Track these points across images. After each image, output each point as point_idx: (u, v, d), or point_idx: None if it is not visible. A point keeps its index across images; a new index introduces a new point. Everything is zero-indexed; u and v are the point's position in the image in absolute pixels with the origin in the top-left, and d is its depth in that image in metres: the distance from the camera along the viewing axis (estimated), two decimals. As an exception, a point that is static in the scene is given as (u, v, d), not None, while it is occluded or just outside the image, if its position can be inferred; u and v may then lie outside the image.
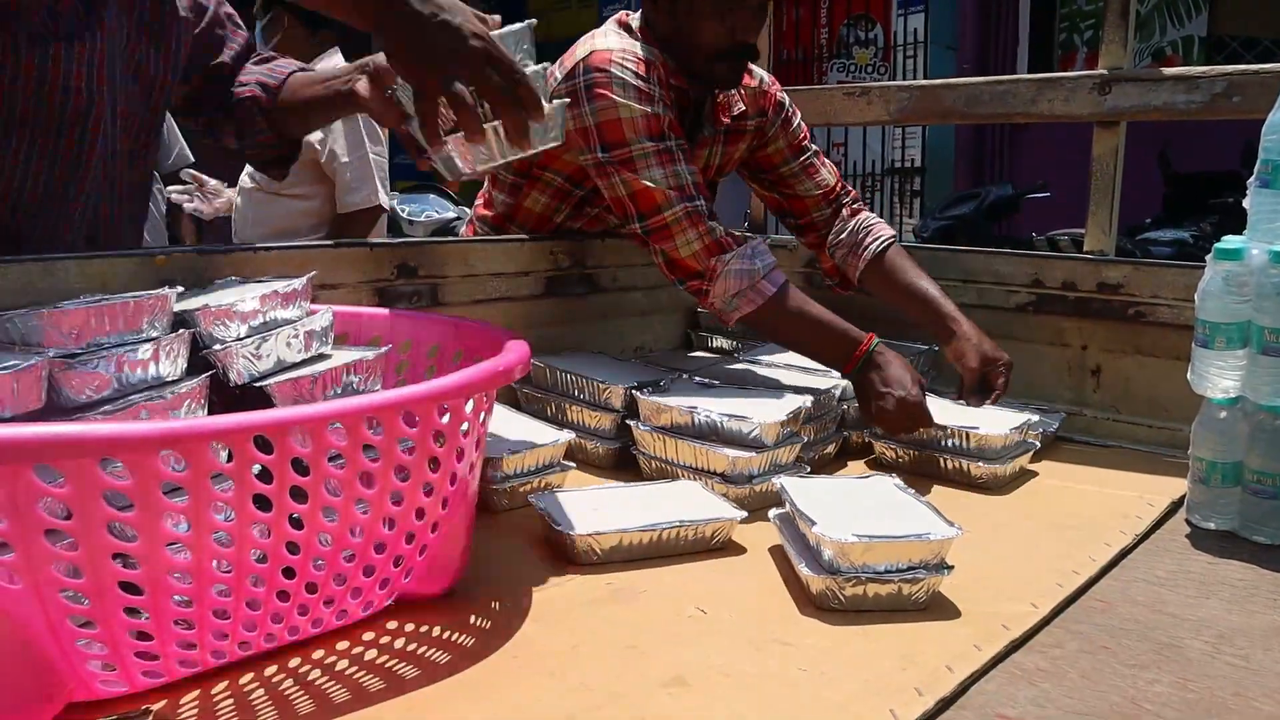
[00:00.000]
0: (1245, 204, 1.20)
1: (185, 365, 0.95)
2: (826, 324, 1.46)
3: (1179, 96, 1.54)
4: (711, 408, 1.31)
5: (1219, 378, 1.19)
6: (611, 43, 1.52)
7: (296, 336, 1.02)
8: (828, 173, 1.80)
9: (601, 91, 1.47)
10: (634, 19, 1.61)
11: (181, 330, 0.96)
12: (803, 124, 1.81)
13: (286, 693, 0.80)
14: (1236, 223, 1.22)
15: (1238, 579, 1.07)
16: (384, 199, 2.79)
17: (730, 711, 0.79)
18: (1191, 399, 1.24)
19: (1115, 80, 1.60)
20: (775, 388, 1.46)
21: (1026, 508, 1.30)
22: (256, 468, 0.75)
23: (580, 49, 1.54)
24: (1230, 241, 1.18)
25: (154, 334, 0.94)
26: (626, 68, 1.48)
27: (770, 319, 1.49)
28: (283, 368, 1.00)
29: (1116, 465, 1.47)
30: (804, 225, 1.82)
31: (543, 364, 1.53)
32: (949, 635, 0.92)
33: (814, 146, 1.81)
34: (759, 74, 1.75)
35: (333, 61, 2.86)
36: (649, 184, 1.46)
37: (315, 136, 2.71)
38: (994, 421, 1.40)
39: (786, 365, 1.60)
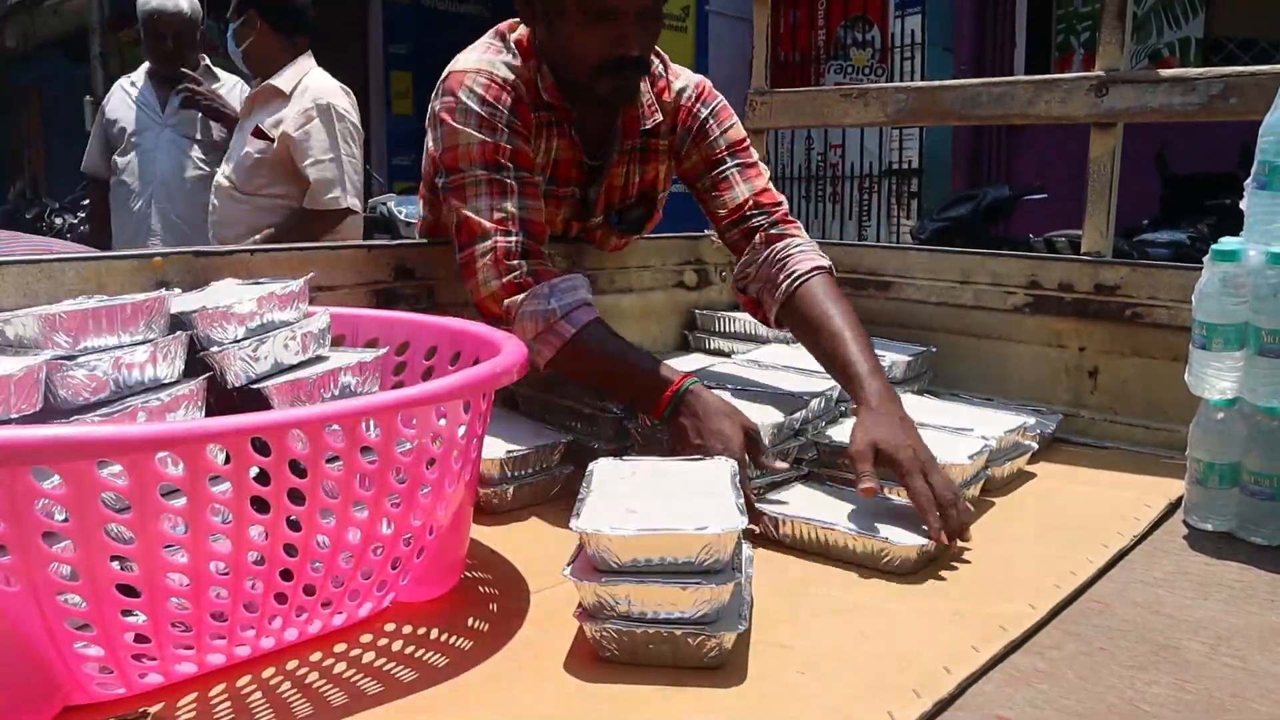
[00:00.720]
0: (1242, 205, 1.20)
1: (183, 367, 0.95)
2: (634, 363, 1.32)
3: (1176, 98, 1.55)
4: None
5: (1216, 379, 1.19)
6: (469, 62, 1.44)
7: (294, 339, 1.02)
8: (743, 189, 1.56)
9: (444, 117, 1.40)
10: (519, 28, 1.51)
11: (179, 332, 0.96)
12: (733, 136, 1.59)
13: (284, 695, 0.80)
14: (1234, 224, 1.22)
15: (1235, 580, 1.07)
16: (353, 202, 2.75)
17: (728, 714, 0.79)
18: (1189, 400, 1.24)
19: (1112, 82, 1.60)
20: (772, 390, 1.46)
21: (1024, 509, 1.30)
22: (254, 470, 0.75)
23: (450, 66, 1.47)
24: (1227, 243, 1.18)
25: (151, 336, 0.94)
26: (474, 92, 1.39)
27: (573, 362, 1.33)
28: (280, 370, 1.00)
29: (1114, 466, 1.47)
30: (729, 244, 1.60)
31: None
32: (947, 636, 0.92)
33: (737, 160, 1.58)
34: (682, 84, 1.60)
35: (306, 66, 2.87)
36: (470, 214, 1.36)
37: (294, 134, 2.72)
38: (956, 450, 1.27)
39: (784, 367, 1.59)
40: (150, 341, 0.93)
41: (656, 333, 1.95)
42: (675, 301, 1.98)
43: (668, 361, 1.34)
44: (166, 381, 0.93)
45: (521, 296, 1.33)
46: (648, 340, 1.93)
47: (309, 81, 2.82)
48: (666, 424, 1.27)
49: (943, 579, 1.06)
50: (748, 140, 1.62)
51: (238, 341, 0.98)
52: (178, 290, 1.13)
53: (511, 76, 1.43)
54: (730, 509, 0.92)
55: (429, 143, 1.48)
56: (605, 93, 1.43)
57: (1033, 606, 0.98)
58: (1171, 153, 5.24)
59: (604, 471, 1.05)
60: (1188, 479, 1.24)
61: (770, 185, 1.59)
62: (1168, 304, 1.54)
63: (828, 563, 1.10)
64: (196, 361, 0.97)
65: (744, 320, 1.88)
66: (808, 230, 1.63)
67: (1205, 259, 1.20)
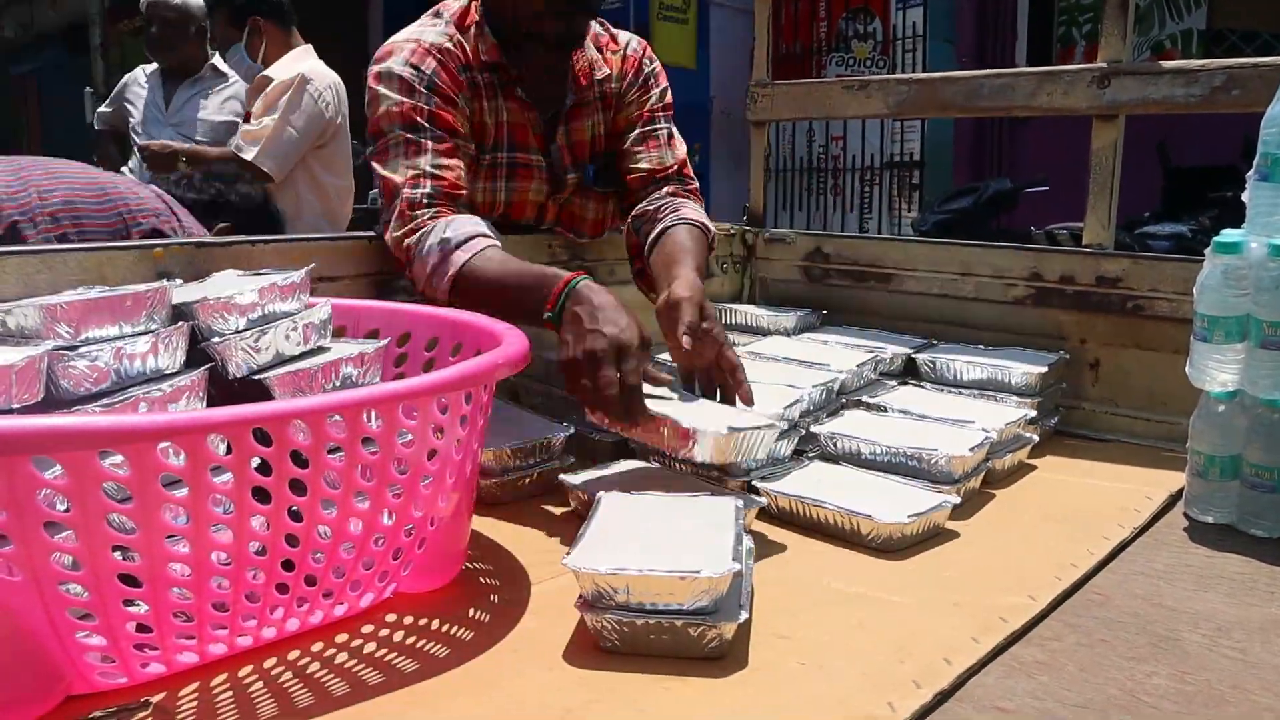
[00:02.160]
0: (1244, 198, 1.20)
1: (184, 358, 0.95)
2: (526, 271, 1.30)
3: (1178, 90, 1.54)
4: (708, 399, 1.31)
5: (1217, 371, 1.19)
6: (399, 35, 1.50)
7: (295, 329, 1.02)
8: (672, 154, 1.65)
9: (371, 86, 1.45)
10: (454, 4, 1.54)
11: (180, 323, 0.96)
12: (667, 99, 1.68)
13: (286, 685, 0.80)
14: (1235, 217, 1.22)
15: (1235, 572, 1.07)
16: (255, 157, 2.78)
17: (728, 705, 0.79)
18: (1190, 393, 1.24)
19: (1114, 73, 1.60)
20: (773, 382, 1.46)
21: (1024, 501, 1.31)
22: (255, 460, 0.75)
23: None
24: (1229, 235, 1.18)
25: (153, 327, 0.94)
26: (398, 58, 1.44)
27: (470, 286, 1.32)
28: (281, 360, 1.00)
29: (1115, 459, 1.47)
30: (627, 207, 1.65)
31: (542, 357, 1.53)
32: (947, 628, 0.92)
33: (668, 125, 1.66)
34: (626, 39, 1.67)
35: (304, 57, 2.90)
36: (389, 174, 1.41)
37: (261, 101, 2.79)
38: (955, 442, 1.26)
39: (785, 359, 1.59)
40: (152, 332, 0.93)
41: (656, 324, 1.95)
42: (676, 293, 1.97)
43: None
44: (168, 372, 0.93)
45: (419, 234, 1.36)
46: (649, 331, 1.92)
47: (303, 69, 2.85)
48: (559, 322, 1.21)
49: (943, 570, 1.06)
50: (673, 110, 1.70)
51: (239, 332, 0.98)
52: (179, 281, 1.13)
53: (440, 42, 1.47)
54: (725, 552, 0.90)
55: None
56: (552, 36, 1.46)
57: (1033, 598, 0.98)
58: (1172, 145, 5.23)
59: (610, 506, 1.03)
60: (1188, 471, 1.24)
61: None
62: (1169, 296, 1.53)
63: (826, 550, 1.11)
64: (198, 352, 0.97)
65: (744, 312, 1.88)
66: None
67: (1207, 251, 1.20)
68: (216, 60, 3.19)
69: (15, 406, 0.81)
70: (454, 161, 1.43)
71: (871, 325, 1.84)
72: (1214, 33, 6.52)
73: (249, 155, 2.76)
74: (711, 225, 1.58)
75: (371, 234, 1.49)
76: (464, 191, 1.43)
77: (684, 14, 8.10)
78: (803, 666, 0.85)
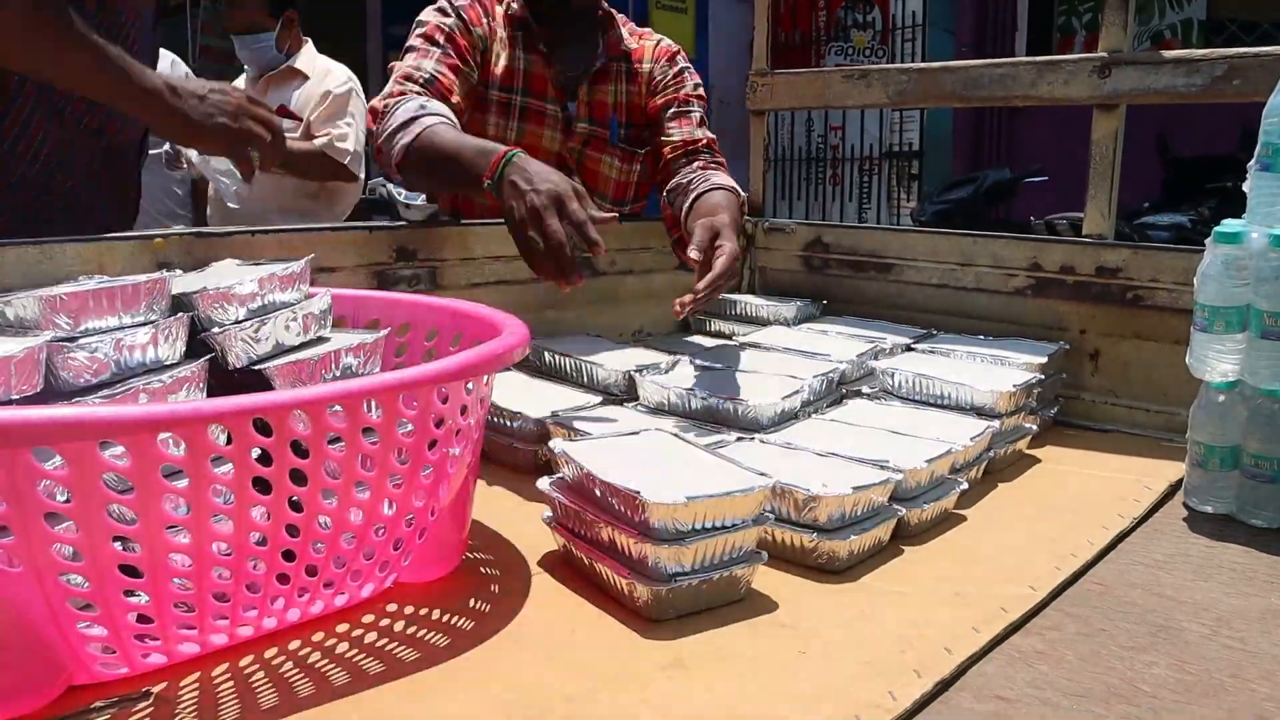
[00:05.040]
0: (1245, 188, 1.20)
1: (184, 348, 0.95)
2: (470, 143, 1.44)
3: (1179, 79, 1.54)
4: (708, 390, 1.31)
5: (1218, 361, 1.19)
6: None
7: (295, 320, 1.02)
8: (700, 130, 1.82)
9: (421, 17, 1.72)
10: None
11: (180, 314, 0.96)
12: (699, 91, 1.88)
13: (286, 675, 0.80)
14: (1235, 207, 1.22)
15: (1235, 562, 1.07)
16: (354, 164, 3.00)
17: (729, 694, 0.79)
18: (1190, 383, 1.24)
19: (1115, 63, 1.59)
20: (773, 372, 1.46)
21: (1024, 491, 1.31)
22: (256, 451, 0.75)
23: None
24: (1230, 225, 1.18)
25: (153, 317, 0.94)
26: None
27: (420, 153, 1.48)
28: (281, 351, 1.00)
29: (1114, 449, 1.47)
30: (661, 182, 1.82)
31: (541, 347, 1.53)
32: (947, 617, 0.92)
33: (701, 111, 1.86)
34: (659, 37, 1.90)
35: (311, 48, 3.00)
36: (399, 64, 1.64)
37: (324, 110, 2.86)
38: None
39: (785, 349, 1.59)
40: (152, 323, 0.93)
41: (657, 314, 1.95)
42: (676, 283, 1.97)
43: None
44: (168, 363, 0.93)
45: (400, 99, 1.56)
46: (648, 321, 1.93)
47: (323, 64, 2.98)
48: (499, 191, 1.33)
49: (943, 560, 1.06)
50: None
51: (239, 323, 0.98)
52: (179, 271, 1.13)
53: None
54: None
55: None
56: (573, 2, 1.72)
57: (1033, 588, 0.98)
58: (1172, 136, 5.23)
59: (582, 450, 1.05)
60: (1188, 461, 1.24)
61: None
62: (1169, 287, 1.53)
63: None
64: (198, 343, 0.97)
65: (744, 302, 1.88)
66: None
67: (1207, 241, 1.20)
68: (296, 62, 3.12)
69: (14, 397, 0.81)
70: (455, 79, 1.64)
71: (871, 315, 1.84)
72: (1214, 22, 6.51)
73: (344, 160, 2.96)
74: (742, 191, 1.69)
75: (371, 225, 1.49)
76: (455, 99, 1.62)
77: (683, 3, 8.08)
78: (804, 655, 0.85)
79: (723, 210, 1.55)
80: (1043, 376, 1.45)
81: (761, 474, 0.97)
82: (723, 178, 1.70)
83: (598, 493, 0.96)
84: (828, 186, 8.08)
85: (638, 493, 0.89)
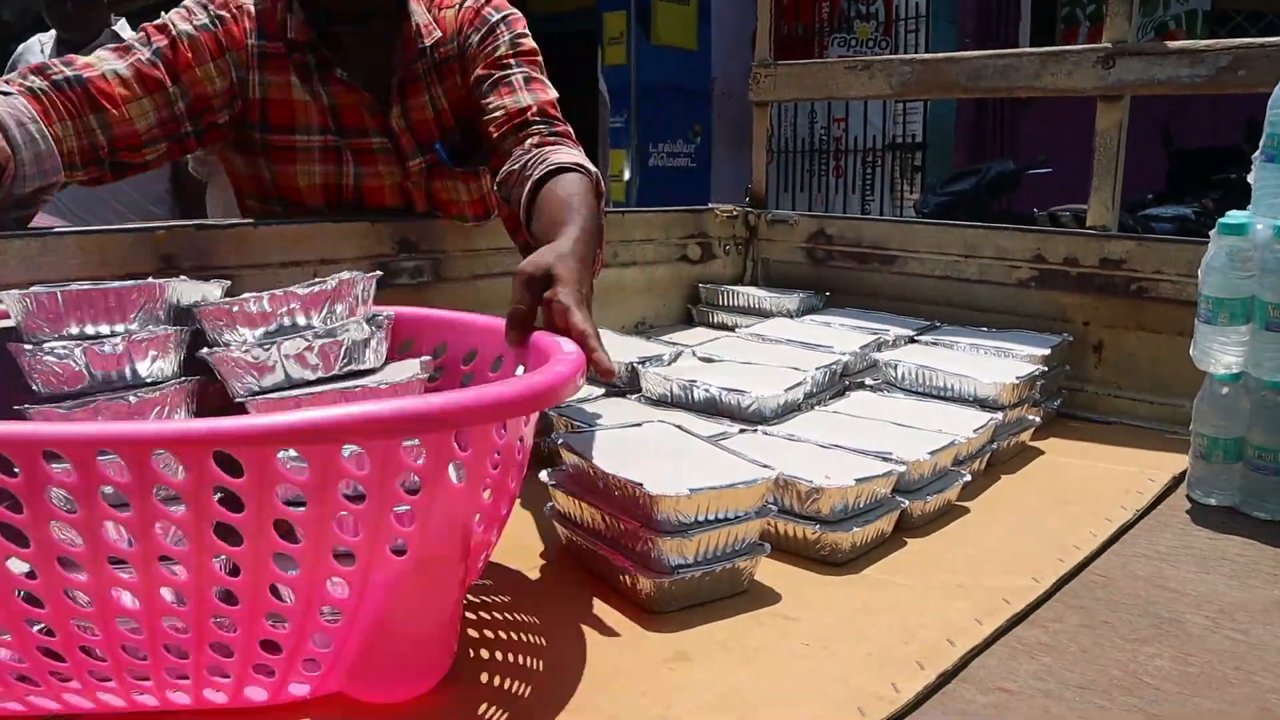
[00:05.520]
0: (1249, 179, 1.19)
1: (175, 366, 0.87)
2: None
3: (1184, 70, 1.53)
4: (711, 381, 1.31)
5: (1221, 353, 1.19)
6: None
7: (312, 350, 0.87)
8: (527, 96, 1.39)
9: None
10: None
11: (167, 328, 0.87)
12: (524, 45, 1.45)
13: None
14: (1239, 198, 1.21)
15: (1238, 554, 1.07)
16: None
17: (733, 686, 0.79)
18: (1194, 375, 1.24)
19: (1119, 54, 1.59)
20: (776, 364, 1.46)
21: (1028, 483, 1.31)
22: (162, 490, 0.59)
23: None
24: (1234, 216, 1.17)
25: (135, 328, 0.86)
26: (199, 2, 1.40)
27: None
28: (291, 384, 0.87)
29: (1118, 441, 1.47)
30: (493, 170, 1.39)
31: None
32: (950, 609, 0.92)
33: (524, 69, 1.43)
34: None
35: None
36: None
37: None
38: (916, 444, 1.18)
39: (788, 341, 1.59)
40: (129, 334, 0.84)
41: (660, 306, 1.95)
42: (679, 275, 1.97)
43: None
44: (148, 381, 0.84)
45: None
46: (651, 314, 1.93)
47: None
48: None
49: (946, 552, 1.06)
50: (540, 57, 1.47)
51: (245, 345, 0.87)
52: (183, 277, 1.00)
53: (245, 3, 1.42)
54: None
55: None
56: (342, 7, 1.38)
57: (1036, 580, 0.98)
58: (1176, 127, 5.21)
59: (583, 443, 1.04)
60: (1191, 454, 1.24)
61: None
62: (1173, 278, 1.53)
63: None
64: (196, 362, 0.88)
65: (747, 294, 1.88)
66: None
67: (1211, 233, 1.19)
68: (118, 26, 2.92)
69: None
70: (122, 75, 1.29)
71: (875, 307, 1.83)
72: (1219, 13, 6.48)
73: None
74: (592, 166, 1.26)
75: (370, 217, 1.48)
76: (108, 111, 1.27)
77: (685, -5, 8.05)
78: (807, 647, 0.85)
79: (562, 224, 1.07)
80: (1046, 368, 1.45)
81: (764, 466, 0.97)
82: (564, 154, 1.27)
83: (600, 485, 0.97)
84: (831, 178, 8.06)
85: (640, 485, 0.89)
